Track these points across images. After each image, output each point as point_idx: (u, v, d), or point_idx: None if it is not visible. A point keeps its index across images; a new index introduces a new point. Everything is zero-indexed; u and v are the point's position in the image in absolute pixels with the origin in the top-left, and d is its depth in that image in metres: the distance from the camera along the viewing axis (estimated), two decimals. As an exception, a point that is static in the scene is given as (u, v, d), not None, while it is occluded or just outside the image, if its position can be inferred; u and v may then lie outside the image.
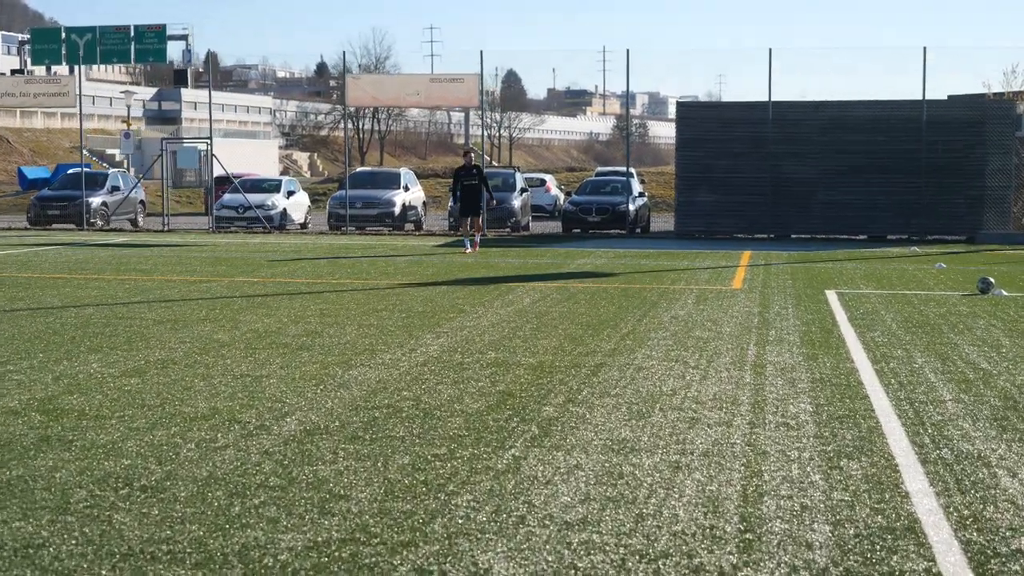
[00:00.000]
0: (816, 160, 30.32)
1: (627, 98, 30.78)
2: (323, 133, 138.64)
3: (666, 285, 17.96)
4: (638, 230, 33.24)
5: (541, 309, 14.85)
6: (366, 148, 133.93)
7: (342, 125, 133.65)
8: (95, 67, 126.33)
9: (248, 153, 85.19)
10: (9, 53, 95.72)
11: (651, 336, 12.58)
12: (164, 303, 15.33)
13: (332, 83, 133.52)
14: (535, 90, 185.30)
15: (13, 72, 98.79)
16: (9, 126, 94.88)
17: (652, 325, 13.44)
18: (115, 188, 35.33)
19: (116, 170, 36.27)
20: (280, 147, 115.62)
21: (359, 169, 39.72)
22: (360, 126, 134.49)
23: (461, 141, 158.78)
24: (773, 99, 30.45)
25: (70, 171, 37.57)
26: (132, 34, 29.07)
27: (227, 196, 34.21)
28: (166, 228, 33.17)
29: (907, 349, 11.69)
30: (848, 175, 30.17)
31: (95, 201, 34.40)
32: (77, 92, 32.52)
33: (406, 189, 34.31)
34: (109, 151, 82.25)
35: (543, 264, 21.99)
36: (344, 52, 30.46)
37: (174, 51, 48.05)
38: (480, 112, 32.12)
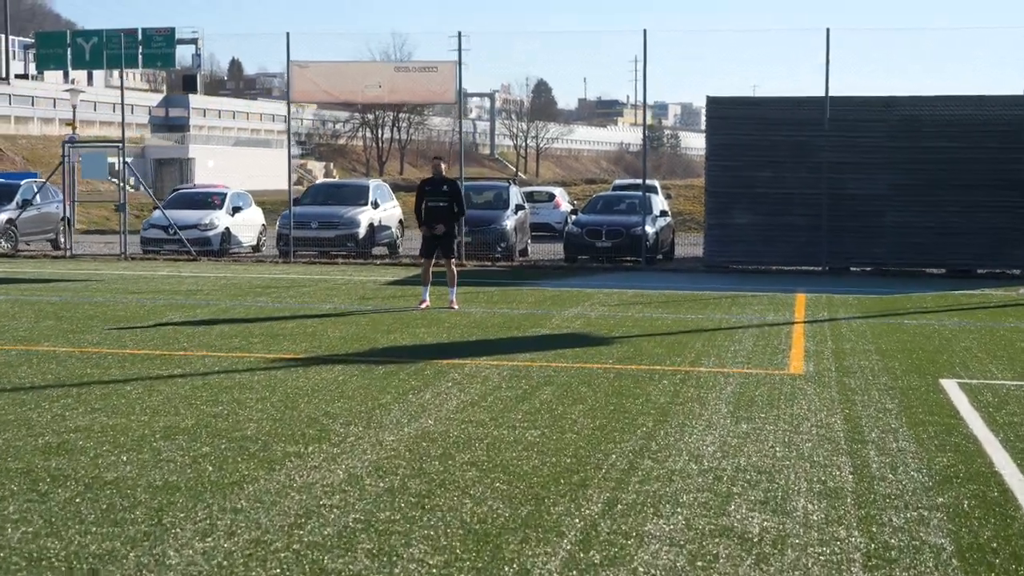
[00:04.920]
0: (884, 172, 23.83)
1: (643, 80, 24.33)
2: (340, 142, 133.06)
3: (686, 367, 11.58)
4: (659, 257, 26.85)
5: (461, 434, 8.53)
6: (385, 158, 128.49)
7: (360, 134, 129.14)
8: (115, 73, 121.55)
9: (257, 162, 79.40)
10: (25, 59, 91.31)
11: (650, 521, 6.22)
12: None
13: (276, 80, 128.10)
14: (565, 100, 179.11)
15: (18, 76, 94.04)
16: (3, 133, 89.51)
17: (655, 478, 7.09)
18: (26, 203, 29.20)
19: (32, 181, 30.08)
20: (294, 156, 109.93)
21: (319, 181, 33.56)
22: (379, 135, 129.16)
23: (487, 151, 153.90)
24: (830, 94, 23.98)
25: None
26: (140, 38, 25.68)
27: (156, 213, 28.02)
28: (67, 254, 26.99)
29: None
30: (925, 192, 23.69)
31: (-1, 218, 28.35)
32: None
33: (375, 206, 28.03)
34: (109, 160, 76.62)
35: (514, 318, 15.64)
36: (288, 33, 24.03)
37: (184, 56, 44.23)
38: (458, 111, 25.63)
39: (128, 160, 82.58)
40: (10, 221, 28.57)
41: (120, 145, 26.69)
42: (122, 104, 27.79)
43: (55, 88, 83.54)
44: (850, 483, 7.15)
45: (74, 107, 42.75)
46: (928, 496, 6.87)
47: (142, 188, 38.07)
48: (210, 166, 73.98)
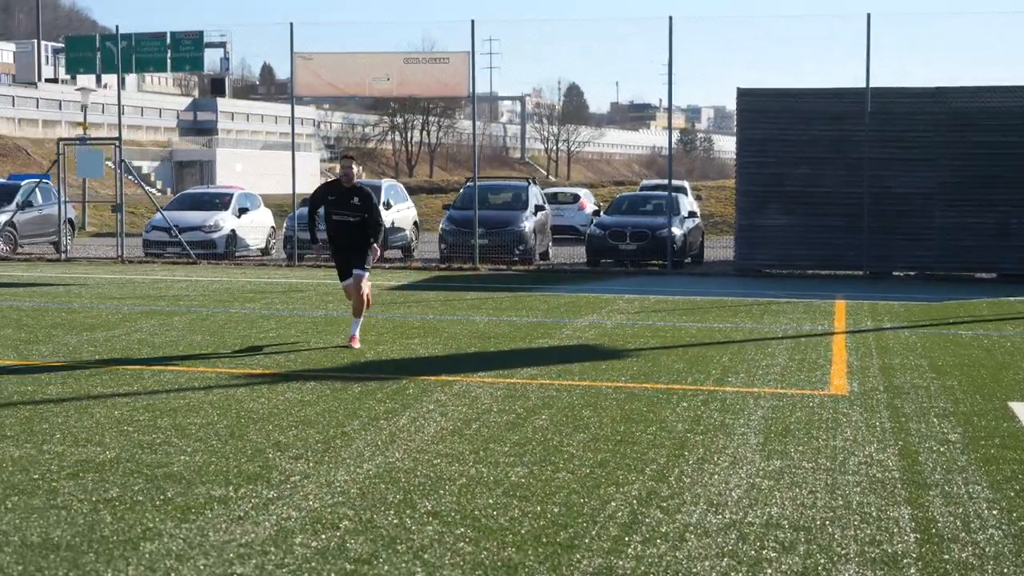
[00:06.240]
0: (931, 169, 22.13)
1: (669, 68, 22.62)
2: (370, 146, 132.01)
3: (710, 385, 9.99)
4: (687, 261, 25.23)
5: (431, 473, 6.99)
6: (415, 161, 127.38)
7: (389, 137, 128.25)
8: (146, 77, 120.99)
9: (285, 165, 78.28)
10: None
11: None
12: None
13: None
14: (597, 103, 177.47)
15: (48, 81, 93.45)
16: (30, 136, 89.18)
17: (662, 537, 5.53)
18: (27, 204, 27.87)
19: (33, 182, 28.74)
20: (323, 160, 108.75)
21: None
22: (408, 138, 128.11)
23: (517, 154, 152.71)
24: (872, 84, 22.29)
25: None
26: (168, 41, 24.87)
27: (159, 215, 26.62)
28: (63, 257, 25.61)
29: None
30: (976, 190, 21.96)
31: (-3, 220, 27.02)
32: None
33: (387, 207, 26.54)
34: (136, 163, 75.75)
35: (522, 328, 14.08)
36: (292, 24, 22.59)
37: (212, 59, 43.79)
38: (471, 104, 24.10)
39: (156, 163, 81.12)
40: (9, 223, 27.26)
41: (116, 143, 25.29)
42: (119, 102, 26.44)
43: (88, 93, 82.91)
44: (913, 547, 5.57)
45: (84, 108, 41.57)
46: (1017, 567, 5.29)
47: (152, 190, 36.97)
48: (238, 169, 72.92)
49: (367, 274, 12.42)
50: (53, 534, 5.73)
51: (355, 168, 12.56)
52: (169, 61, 26.33)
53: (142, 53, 26.28)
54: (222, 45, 32.14)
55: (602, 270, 23.90)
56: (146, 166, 77.36)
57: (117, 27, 26.03)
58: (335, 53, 24.06)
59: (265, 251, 28.04)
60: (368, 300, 12.72)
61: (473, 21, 22.27)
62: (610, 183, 63.16)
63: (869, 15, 22.07)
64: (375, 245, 12.50)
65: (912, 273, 22.56)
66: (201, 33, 26.44)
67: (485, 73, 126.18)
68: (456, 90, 23.47)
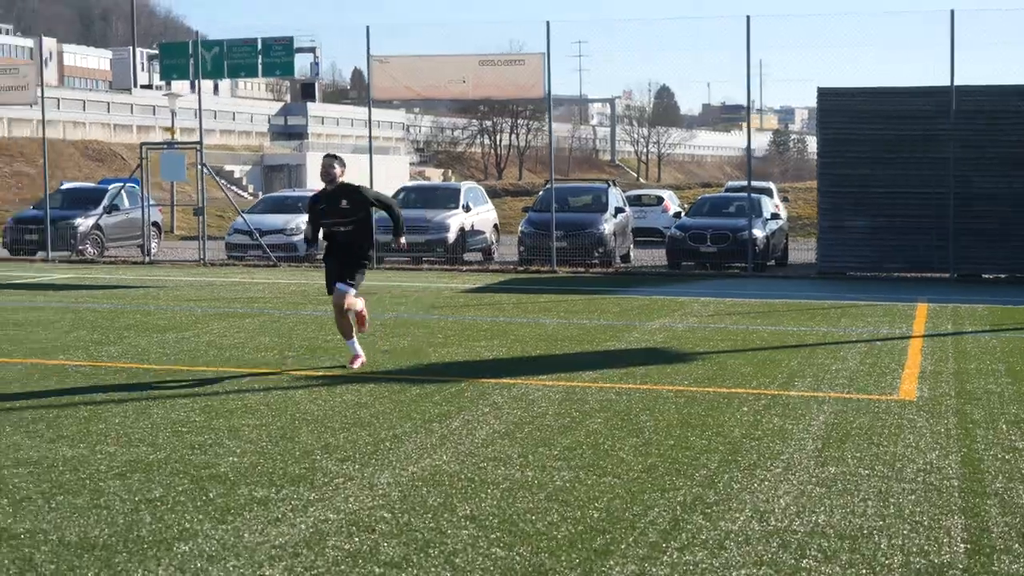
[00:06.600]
0: (1021, 168, 21.57)
1: (747, 67, 22.34)
2: (459, 149, 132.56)
3: (774, 390, 9.78)
4: (771, 263, 24.86)
5: (474, 476, 6.91)
6: (504, 164, 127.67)
7: (478, 141, 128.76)
8: (241, 83, 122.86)
9: (376, 169, 78.96)
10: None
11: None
12: None
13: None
14: (688, 105, 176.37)
15: (143, 87, 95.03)
16: (125, 141, 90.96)
17: (701, 544, 5.40)
18: (114, 208, 28.31)
19: (119, 186, 29.16)
20: (412, 163, 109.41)
21: (409, 183, 32.19)
22: (497, 141, 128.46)
23: (607, 157, 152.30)
24: (957, 83, 21.78)
25: (63, 186, 30.76)
26: (259, 47, 25.36)
27: (240, 219, 26.89)
28: (146, 260, 25.96)
29: None
30: (1067, 190, 21.35)
31: (84, 224, 27.46)
32: (39, 87, 25.65)
33: (467, 209, 26.54)
34: (228, 167, 76.88)
35: (590, 330, 13.94)
36: (368, 27, 22.70)
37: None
38: (547, 107, 24.02)
39: (247, 167, 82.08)
40: (96, 226, 27.73)
41: (198, 147, 25.60)
42: (199, 107, 26.77)
43: (175, 98, 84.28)
44: (961, 557, 5.37)
45: (173, 112, 42.21)
46: (1069, 581, 5.07)
47: (242, 193, 37.46)
48: (328, 173, 73.37)
49: (352, 291, 10.74)
50: (91, 533, 5.75)
51: (337, 168, 10.69)
52: (260, 66, 26.67)
53: (233, 59, 26.60)
54: (312, 50, 32.50)
55: (681, 273, 23.65)
56: (238, 170, 78.45)
57: (197, 33, 26.39)
58: (411, 56, 24.12)
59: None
60: (363, 318, 11.11)
61: (548, 22, 22.17)
62: (697, 185, 62.67)
63: (953, 11, 21.56)
64: (401, 240, 11.11)
65: (1002, 276, 22.00)
66: (291, 39, 26.73)
67: (574, 75, 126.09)
68: (532, 92, 23.36)
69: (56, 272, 22.98)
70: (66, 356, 11.59)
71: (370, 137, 24.99)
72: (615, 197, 26.74)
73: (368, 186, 12.04)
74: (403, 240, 11.21)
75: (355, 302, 10.88)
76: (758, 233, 23.86)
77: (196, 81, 26.85)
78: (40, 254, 26.81)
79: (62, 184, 31.74)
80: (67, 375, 10.45)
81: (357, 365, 10.79)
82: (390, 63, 23.47)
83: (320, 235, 11.06)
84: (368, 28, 23.11)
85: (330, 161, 10.71)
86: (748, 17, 22.05)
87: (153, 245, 28.80)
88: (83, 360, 11.33)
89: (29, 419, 8.49)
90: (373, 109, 26.04)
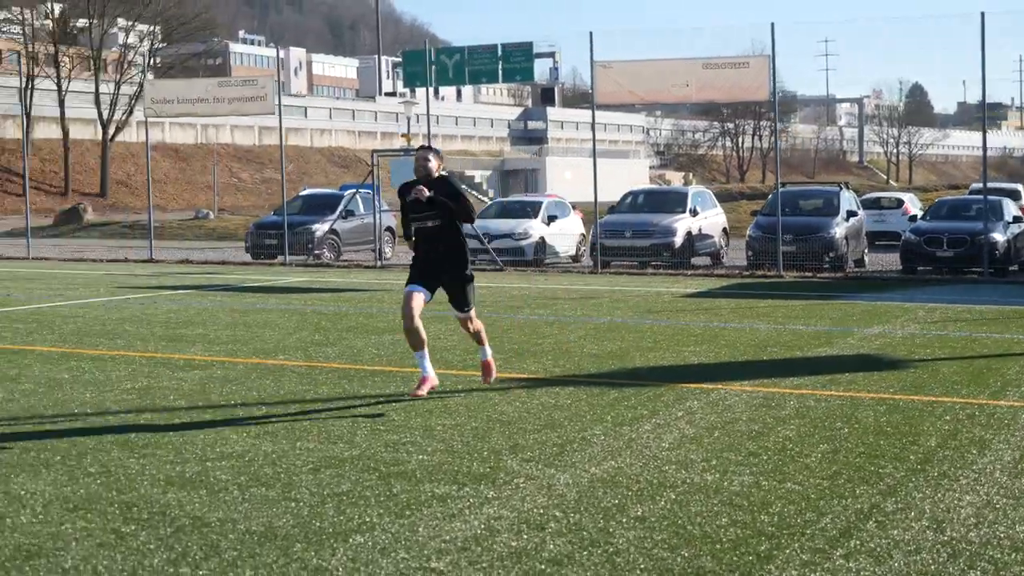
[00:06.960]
0: None
1: (983, 64, 21.49)
2: (700, 152, 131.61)
3: (982, 399, 9.42)
4: (1013, 269, 23.78)
5: (653, 479, 6.94)
6: (747, 167, 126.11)
7: (720, 143, 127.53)
8: (482, 89, 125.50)
9: (615, 172, 79.39)
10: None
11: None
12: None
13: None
14: (943, 103, 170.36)
15: (387, 94, 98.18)
16: (369, 147, 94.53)
17: (867, 553, 5.34)
18: (349, 213, 29.40)
19: (355, 191, 30.23)
20: (652, 167, 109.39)
21: (637, 187, 32.13)
22: (739, 143, 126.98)
23: (854, 158, 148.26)
24: None
25: (303, 192, 32.10)
26: (499, 53, 26.33)
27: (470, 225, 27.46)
28: (378, 264, 26.80)
29: None
30: None
31: (320, 229, 28.61)
32: (277, 98, 26.83)
33: (694, 213, 26.41)
34: (468, 172, 78.72)
35: (805, 336, 13.70)
36: (591, 33, 22.88)
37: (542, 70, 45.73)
38: (773, 109, 23.67)
39: (488, 172, 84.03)
40: (333, 231, 28.84)
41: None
42: (427, 112, 27.55)
43: (420, 105, 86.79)
44: None
45: (408, 119, 43.52)
46: None
47: (483, 198, 38.27)
48: (567, 177, 74.21)
49: (469, 313, 9.87)
50: (276, 524, 6.06)
51: (433, 161, 9.61)
52: (500, 72, 27.22)
53: (474, 65, 27.28)
54: (551, 55, 32.86)
55: (915, 277, 22.90)
56: (478, 175, 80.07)
57: (427, 42, 27.07)
58: (634, 61, 24.20)
59: (575, 258, 28.47)
60: (490, 367, 9.93)
61: (772, 24, 21.90)
62: (944, 187, 60.46)
63: None
64: (424, 191, 9.42)
65: None
66: (530, 44, 27.21)
67: (820, 76, 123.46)
68: (756, 94, 23.08)
69: (292, 276, 24.04)
70: (285, 356, 12.15)
71: (593, 140, 25.18)
72: (847, 200, 26.10)
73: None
74: (425, 192, 9.44)
75: (476, 321, 9.92)
76: (998, 237, 22.91)
77: (427, 88, 27.59)
78: (279, 258, 28.08)
79: (303, 189, 33.11)
80: (283, 374, 10.96)
81: (424, 391, 9.38)
82: (613, 68, 23.62)
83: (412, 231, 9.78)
84: (591, 34, 23.34)
85: (424, 154, 9.70)
86: (983, 14, 21.22)
87: (387, 249, 29.76)
88: (300, 360, 11.86)
89: (241, 415, 8.97)
90: (613, 113, 26.44)
